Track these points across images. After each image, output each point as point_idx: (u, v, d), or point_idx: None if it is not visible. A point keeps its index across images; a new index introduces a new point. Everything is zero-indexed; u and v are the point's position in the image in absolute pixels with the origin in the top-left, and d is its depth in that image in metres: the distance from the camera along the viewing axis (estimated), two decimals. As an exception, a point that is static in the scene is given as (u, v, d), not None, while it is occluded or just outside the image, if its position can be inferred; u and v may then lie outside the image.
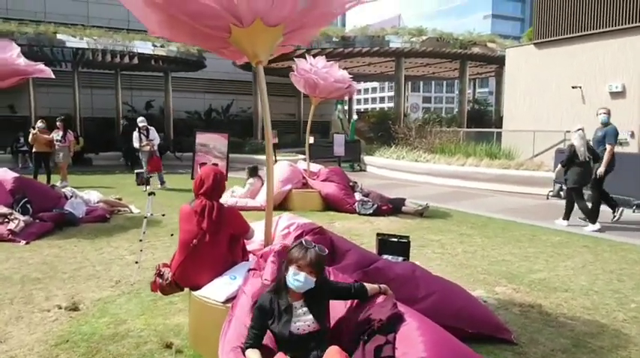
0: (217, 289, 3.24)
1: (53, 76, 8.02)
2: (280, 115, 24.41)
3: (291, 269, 2.63)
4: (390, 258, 4.42)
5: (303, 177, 9.50)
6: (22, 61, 7.48)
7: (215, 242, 3.39)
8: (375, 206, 8.73)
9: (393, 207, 8.82)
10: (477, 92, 29.24)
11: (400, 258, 4.43)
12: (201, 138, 4.57)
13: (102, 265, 5.43)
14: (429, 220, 8.35)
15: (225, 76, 22.70)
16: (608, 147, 7.67)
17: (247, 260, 3.63)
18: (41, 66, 7.72)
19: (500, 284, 5.02)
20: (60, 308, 4.12)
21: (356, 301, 2.94)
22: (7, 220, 6.62)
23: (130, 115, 19.97)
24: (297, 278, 2.61)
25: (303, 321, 2.64)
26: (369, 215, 8.60)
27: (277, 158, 14.37)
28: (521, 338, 3.71)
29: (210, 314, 3.20)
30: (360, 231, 7.33)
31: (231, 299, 3.14)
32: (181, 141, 19.49)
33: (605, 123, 7.99)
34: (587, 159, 7.59)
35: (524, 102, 15.41)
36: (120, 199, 9.04)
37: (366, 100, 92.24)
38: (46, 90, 20.63)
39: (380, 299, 2.85)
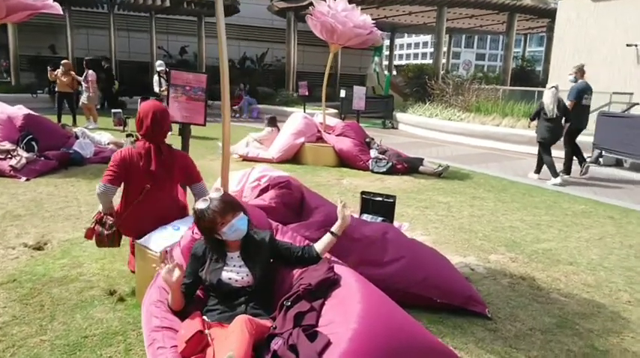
0: (158, 239, 3.02)
1: (62, 13, 7.80)
2: (315, 67, 23.71)
3: (223, 230, 2.40)
4: (369, 218, 4.08)
5: (318, 131, 9.12)
6: (31, -4, 7.30)
7: (164, 187, 3.14)
8: (390, 164, 8.30)
9: (409, 167, 8.36)
10: (527, 50, 27.23)
11: (379, 219, 4.07)
12: (176, 78, 4.22)
13: (88, 206, 5.36)
14: (445, 181, 7.88)
15: (260, 22, 22.09)
16: (567, 102, 8.24)
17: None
18: (50, 1, 7.52)
19: (498, 252, 4.60)
20: (26, 246, 4.05)
21: None
22: (10, 156, 6.65)
23: (167, 60, 19.80)
24: (234, 230, 2.42)
25: (236, 273, 2.42)
26: (383, 173, 8.20)
27: (307, 111, 13.95)
28: (500, 313, 3.34)
29: (149, 263, 2.99)
30: (367, 189, 6.94)
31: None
32: (213, 89, 19.28)
33: (574, 82, 8.62)
34: (556, 116, 7.93)
35: (572, 60, 14.15)
36: (133, 142, 8.99)
37: (415, 56, 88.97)
38: (85, 32, 20.78)
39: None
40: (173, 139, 4.42)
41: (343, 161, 8.67)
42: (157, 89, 11.26)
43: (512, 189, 7.52)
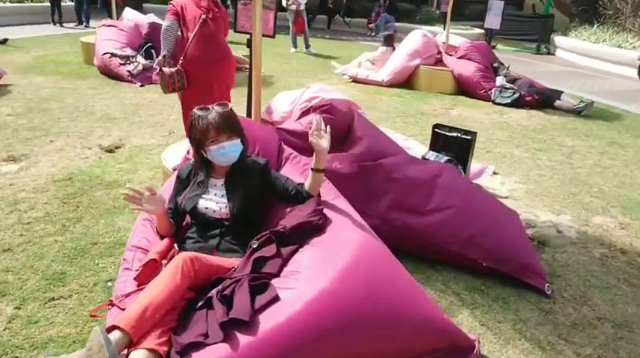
0: (175, 154, 2.89)
1: None
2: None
3: (210, 148, 2.11)
4: (432, 156, 3.47)
5: (439, 52, 8.13)
6: None
7: (215, 24, 3.67)
8: (517, 95, 7.13)
9: (541, 100, 7.11)
10: None
11: (444, 159, 3.44)
12: (245, -17, 3.91)
13: (178, 115, 5.47)
14: (583, 120, 6.58)
15: None
16: None
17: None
18: None
19: (607, 213, 3.70)
20: (101, 147, 4.29)
21: None
22: (129, 62, 7.09)
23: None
24: (222, 152, 2.13)
25: (215, 202, 2.16)
26: (506, 105, 7.11)
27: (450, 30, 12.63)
28: (567, 291, 2.66)
29: (166, 178, 2.90)
30: (476, 123, 6.11)
31: (178, 168, 2.77)
32: (353, 6, 18.49)
33: None
34: None
35: None
36: (247, 56, 9.01)
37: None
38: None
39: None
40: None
41: (462, 88, 7.69)
42: (284, 3, 11.02)
43: (671, 137, 6.01)
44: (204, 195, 2.17)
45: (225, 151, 2.13)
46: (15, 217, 2.98)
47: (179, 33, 3.73)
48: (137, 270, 2.03)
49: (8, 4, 13.09)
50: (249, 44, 4.52)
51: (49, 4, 12.89)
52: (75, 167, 3.82)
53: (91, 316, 2.00)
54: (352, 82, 8.19)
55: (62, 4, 12.92)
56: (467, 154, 3.59)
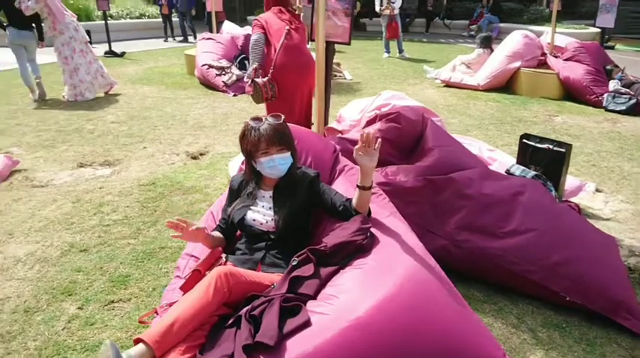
0: (236, 162, 2.91)
1: None
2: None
3: (261, 160, 2.10)
4: (518, 170, 3.12)
5: (543, 54, 7.50)
6: None
7: (298, 35, 3.78)
8: (633, 101, 6.36)
9: (662, 106, 6.27)
10: None
11: (530, 174, 3.07)
12: (322, -11, 3.85)
13: (263, 123, 5.62)
14: None
15: None
16: None
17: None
18: None
19: None
20: (187, 154, 4.48)
21: None
22: (224, 73, 7.41)
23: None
24: (272, 165, 2.10)
25: (262, 214, 2.13)
26: (620, 112, 6.36)
27: (558, 30, 11.70)
28: (672, 336, 2.23)
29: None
30: (584, 133, 5.52)
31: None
32: (454, 7, 17.84)
33: None
34: None
35: None
36: (338, 64, 9.01)
37: None
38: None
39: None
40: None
41: (569, 93, 7.02)
42: (377, 8, 10.90)
43: None
44: (252, 207, 2.14)
45: (275, 164, 2.08)
46: (97, 219, 3.19)
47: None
48: (185, 278, 2.04)
49: (128, 20, 14.42)
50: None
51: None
52: (160, 172, 4.03)
53: (140, 322, 2.04)
54: (445, 86, 7.84)
55: (174, 19, 13.95)
56: (560, 169, 3.19)
